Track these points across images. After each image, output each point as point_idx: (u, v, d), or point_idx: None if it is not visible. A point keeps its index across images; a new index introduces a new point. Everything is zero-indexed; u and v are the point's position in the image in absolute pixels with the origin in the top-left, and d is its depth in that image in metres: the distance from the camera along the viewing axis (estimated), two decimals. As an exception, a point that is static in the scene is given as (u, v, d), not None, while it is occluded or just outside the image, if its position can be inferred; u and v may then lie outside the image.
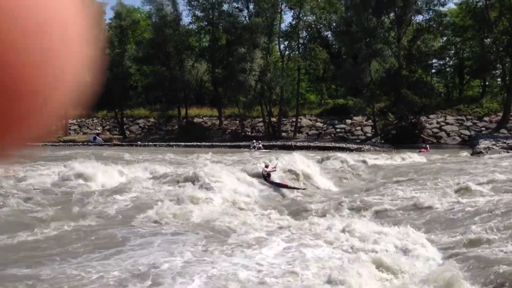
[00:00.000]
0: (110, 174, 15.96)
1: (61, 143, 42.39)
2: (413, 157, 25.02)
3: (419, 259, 7.40)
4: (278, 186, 15.03)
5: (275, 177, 15.56)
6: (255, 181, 15.14)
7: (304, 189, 15.38)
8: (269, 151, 31.67)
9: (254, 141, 36.08)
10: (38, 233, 8.90)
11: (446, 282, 5.73)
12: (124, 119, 50.76)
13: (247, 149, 33.86)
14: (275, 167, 15.74)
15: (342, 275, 6.12)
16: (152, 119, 51.96)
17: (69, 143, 41.73)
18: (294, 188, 15.24)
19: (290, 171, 16.85)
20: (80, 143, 42.01)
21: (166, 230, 9.23)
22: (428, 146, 32.16)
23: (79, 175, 14.97)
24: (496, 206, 10.13)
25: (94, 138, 42.28)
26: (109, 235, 8.82)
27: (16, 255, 7.60)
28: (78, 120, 53.78)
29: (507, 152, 26.03)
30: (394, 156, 26.22)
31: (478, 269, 6.63)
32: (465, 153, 27.94)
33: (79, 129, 52.57)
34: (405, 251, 7.71)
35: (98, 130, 48.38)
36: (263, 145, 34.53)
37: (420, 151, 29.33)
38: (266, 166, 15.62)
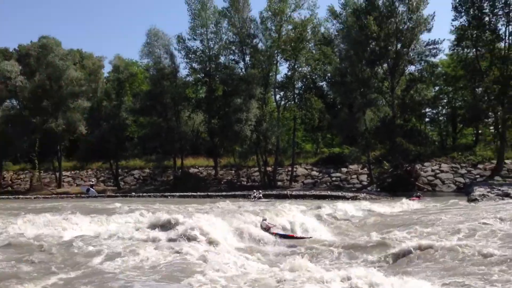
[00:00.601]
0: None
1: (53, 195, 42.09)
2: (411, 204, 24.92)
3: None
4: (283, 237, 14.81)
5: (278, 229, 15.43)
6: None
7: (310, 237, 15.18)
8: (270, 200, 31.38)
9: (255, 190, 35.77)
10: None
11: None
12: (119, 170, 50.58)
13: (246, 199, 33.48)
14: (274, 225, 15.67)
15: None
16: (147, 170, 51.80)
17: (62, 195, 41.37)
18: (300, 238, 15.08)
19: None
20: (74, 195, 41.61)
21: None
22: (420, 194, 31.49)
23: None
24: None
25: (88, 190, 41.93)
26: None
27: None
28: (72, 172, 53.55)
29: (502, 199, 25.83)
30: (392, 203, 26.16)
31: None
32: (456, 200, 27.71)
33: (72, 181, 52.21)
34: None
35: (92, 181, 48.11)
36: (263, 195, 34.29)
37: (411, 199, 28.87)
38: (265, 220, 15.54)
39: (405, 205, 25.58)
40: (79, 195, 41.31)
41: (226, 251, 11.95)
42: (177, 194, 38.68)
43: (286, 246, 14.03)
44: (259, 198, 33.17)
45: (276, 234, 14.89)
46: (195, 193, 38.46)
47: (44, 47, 46.62)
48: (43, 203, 32.62)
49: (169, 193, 39.75)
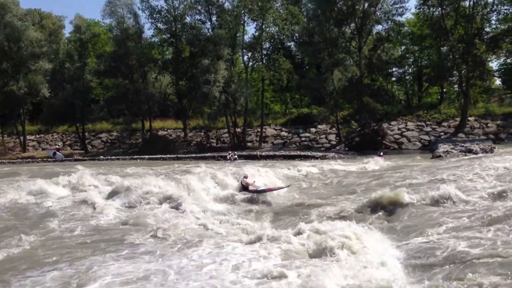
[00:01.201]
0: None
1: (18, 159, 41.06)
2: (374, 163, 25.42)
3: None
4: (261, 192, 15.33)
5: (260, 185, 16.01)
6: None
7: (288, 186, 16.15)
8: (246, 161, 31.72)
9: (230, 152, 35.96)
10: None
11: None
12: (86, 133, 49.62)
13: (216, 161, 33.59)
14: (254, 182, 16.04)
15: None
16: (115, 133, 50.99)
17: (27, 160, 40.42)
18: (279, 188, 15.86)
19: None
20: (39, 159, 40.71)
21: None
22: (382, 153, 31.43)
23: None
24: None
25: (54, 154, 41.03)
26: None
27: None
28: (37, 136, 52.19)
29: (465, 155, 26.71)
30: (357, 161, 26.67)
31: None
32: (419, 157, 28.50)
33: (38, 145, 50.99)
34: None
35: (58, 145, 47.10)
36: (238, 156, 34.74)
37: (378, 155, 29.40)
38: (246, 177, 15.78)
39: (370, 164, 25.81)
40: (45, 159, 40.42)
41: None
42: (146, 157, 38.32)
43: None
44: (235, 159, 33.55)
45: (254, 192, 15.27)
46: (164, 155, 38.25)
47: (2, 6, 44.25)
48: (5, 168, 31.95)
49: (138, 156, 39.34)
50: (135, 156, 39.26)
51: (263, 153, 37.05)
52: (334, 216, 11.40)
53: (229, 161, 32.63)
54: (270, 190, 15.55)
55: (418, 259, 7.55)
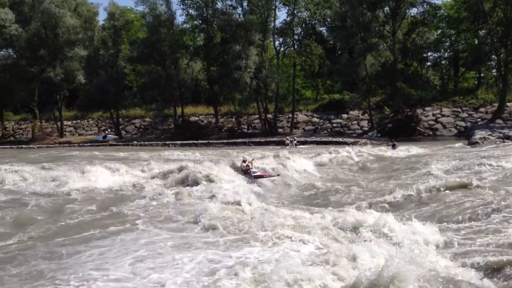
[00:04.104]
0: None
1: (56, 144, 42.27)
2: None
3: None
4: (257, 177, 15.67)
5: (256, 170, 16.28)
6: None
7: (278, 175, 16.17)
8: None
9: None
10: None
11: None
12: (120, 119, 50.54)
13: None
14: (251, 162, 16.47)
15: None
16: (147, 119, 51.76)
17: (65, 145, 41.56)
18: (269, 176, 16.01)
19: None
20: (76, 144, 41.81)
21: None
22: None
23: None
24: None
25: (105, 137, 42.87)
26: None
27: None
28: (73, 121, 53.50)
29: (503, 141, 25.97)
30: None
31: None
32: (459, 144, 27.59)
33: (74, 130, 52.32)
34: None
35: (108, 131, 48.50)
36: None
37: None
38: (244, 161, 16.10)
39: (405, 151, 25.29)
40: (81, 144, 41.51)
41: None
42: (178, 142, 38.86)
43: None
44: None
45: (251, 176, 15.69)
46: (196, 141, 38.67)
47: (39, -6, 45.25)
48: (47, 152, 33.07)
49: (170, 142, 39.95)
50: (167, 142, 39.87)
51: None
52: (378, 202, 11.28)
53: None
54: (263, 176, 15.80)
55: (461, 245, 7.43)
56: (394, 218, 8.49)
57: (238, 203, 10.80)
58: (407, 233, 7.85)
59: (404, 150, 24.69)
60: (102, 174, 16.15)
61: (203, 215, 9.30)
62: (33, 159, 25.80)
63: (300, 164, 18.88)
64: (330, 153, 22.79)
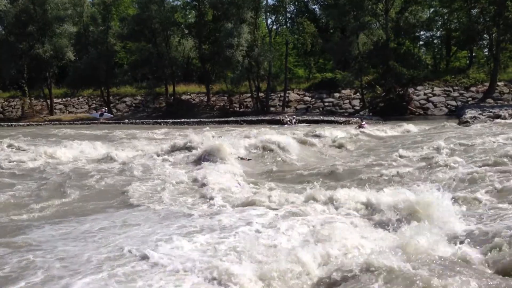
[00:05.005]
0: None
1: (46, 122, 41.94)
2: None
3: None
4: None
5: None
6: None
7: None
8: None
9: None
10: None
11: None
12: (111, 97, 50.11)
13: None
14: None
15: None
16: (139, 97, 51.29)
17: (55, 122, 41.25)
18: (242, 159, 15.98)
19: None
20: (66, 122, 41.53)
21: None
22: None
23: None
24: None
25: (101, 114, 42.34)
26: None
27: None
28: (63, 99, 52.94)
29: (493, 120, 26.13)
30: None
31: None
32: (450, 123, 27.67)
33: (64, 108, 51.76)
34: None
35: (105, 109, 47.46)
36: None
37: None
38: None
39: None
40: (71, 122, 41.23)
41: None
42: (170, 120, 38.72)
43: None
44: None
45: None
46: (188, 120, 38.55)
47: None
48: (37, 130, 32.76)
49: (162, 120, 39.80)
50: (159, 120, 39.71)
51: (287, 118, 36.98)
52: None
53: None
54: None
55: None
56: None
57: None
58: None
59: (373, 130, 24.71)
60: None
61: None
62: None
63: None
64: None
